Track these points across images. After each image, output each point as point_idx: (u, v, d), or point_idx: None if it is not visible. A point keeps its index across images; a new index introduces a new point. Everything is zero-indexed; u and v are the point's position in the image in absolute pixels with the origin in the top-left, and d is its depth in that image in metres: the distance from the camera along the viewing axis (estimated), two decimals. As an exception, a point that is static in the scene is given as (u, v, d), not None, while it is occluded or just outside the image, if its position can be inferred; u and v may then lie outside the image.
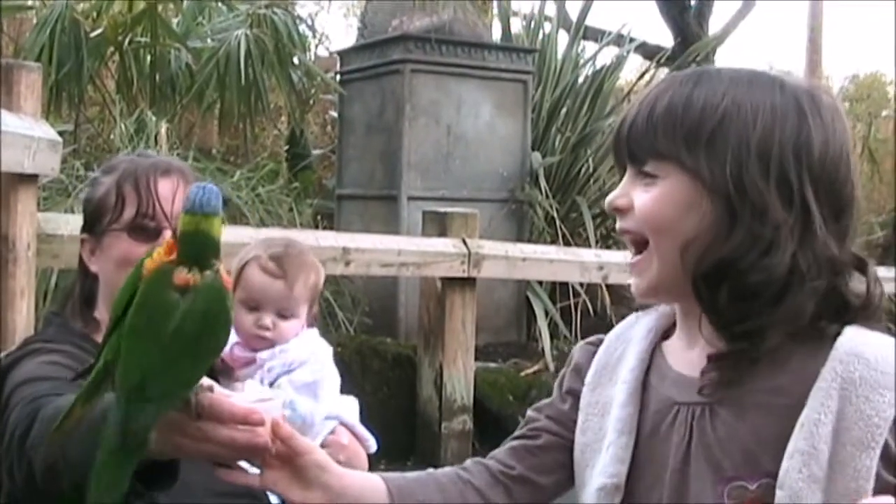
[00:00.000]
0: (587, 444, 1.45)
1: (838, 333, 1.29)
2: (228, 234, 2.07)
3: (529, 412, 1.56)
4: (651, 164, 1.35)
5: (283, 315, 2.03)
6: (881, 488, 1.21)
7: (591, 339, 1.57)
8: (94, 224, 1.96)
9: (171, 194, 1.92)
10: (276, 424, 1.36)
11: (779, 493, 1.23)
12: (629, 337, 1.49)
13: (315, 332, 2.11)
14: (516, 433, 1.55)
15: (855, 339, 1.28)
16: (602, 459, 1.41)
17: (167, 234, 1.90)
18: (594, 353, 1.52)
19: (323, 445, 1.98)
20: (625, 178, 1.40)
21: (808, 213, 1.29)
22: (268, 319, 2.01)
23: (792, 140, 1.30)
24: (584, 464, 1.45)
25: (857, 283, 1.33)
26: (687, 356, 1.40)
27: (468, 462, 1.54)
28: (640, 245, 1.38)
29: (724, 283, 1.29)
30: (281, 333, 2.02)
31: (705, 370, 1.34)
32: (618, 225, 1.41)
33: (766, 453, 1.26)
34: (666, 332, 1.47)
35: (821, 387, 1.25)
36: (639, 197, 1.36)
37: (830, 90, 1.41)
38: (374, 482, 1.46)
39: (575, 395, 1.51)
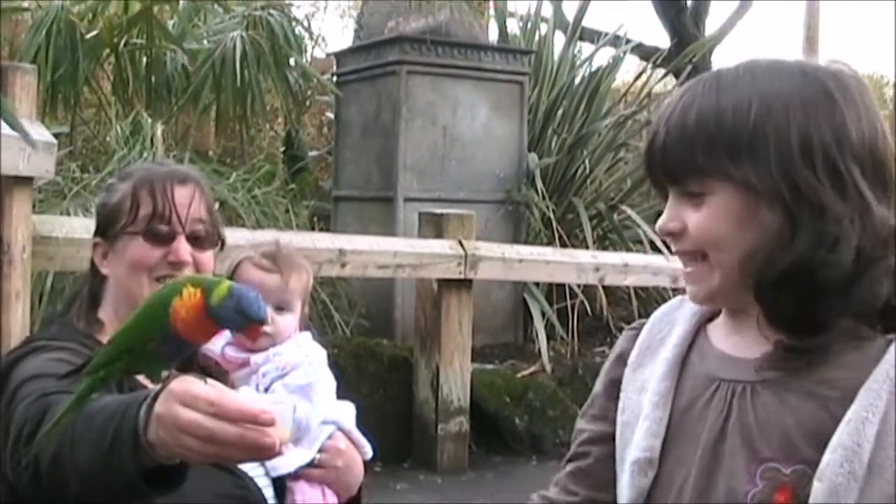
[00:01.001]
0: (626, 423, 1.44)
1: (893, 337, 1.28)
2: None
3: (578, 423, 1.55)
4: (694, 182, 1.32)
5: (281, 309, 2.05)
6: None
7: (634, 324, 1.55)
8: (108, 228, 1.99)
9: (188, 202, 1.96)
10: None
11: (816, 485, 1.22)
12: (674, 319, 1.47)
13: (308, 335, 2.11)
14: (570, 453, 1.53)
15: None
16: (638, 433, 1.40)
17: (181, 239, 1.93)
18: (636, 336, 1.50)
19: (320, 450, 1.99)
20: (670, 200, 1.37)
21: (863, 197, 1.27)
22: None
23: (829, 128, 1.28)
24: (622, 444, 1.43)
25: None
26: (734, 340, 1.38)
27: (535, 497, 1.53)
28: (697, 258, 1.36)
29: (793, 286, 1.27)
30: (279, 329, 2.03)
31: (768, 356, 1.32)
32: (674, 248, 1.39)
33: (804, 440, 1.26)
34: (710, 315, 1.45)
35: (871, 387, 1.24)
36: (691, 218, 1.33)
37: (850, 66, 1.37)
38: None
39: (616, 382, 1.49)
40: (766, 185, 1.27)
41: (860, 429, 1.22)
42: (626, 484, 1.39)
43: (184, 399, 1.30)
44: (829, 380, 1.27)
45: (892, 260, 1.27)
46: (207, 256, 1.99)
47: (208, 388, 1.31)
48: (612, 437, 1.46)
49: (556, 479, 1.53)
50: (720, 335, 1.42)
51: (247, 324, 1.41)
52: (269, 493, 1.92)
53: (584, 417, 1.53)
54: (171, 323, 1.39)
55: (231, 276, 2.07)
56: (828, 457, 1.22)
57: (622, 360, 1.50)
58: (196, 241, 1.97)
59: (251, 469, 1.87)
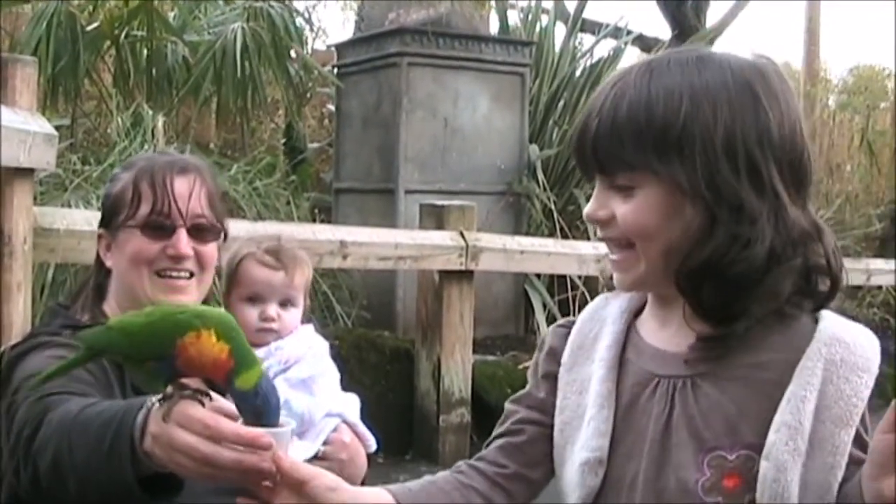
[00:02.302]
0: (566, 423, 1.47)
1: (816, 316, 1.35)
2: (224, 227, 2.09)
3: (508, 405, 1.58)
4: (623, 175, 1.36)
5: (286, 305, 2.06)
6: (850, 462, 1.28)
7: (563, 321, 1.60)
8: (111, 220, 1.98)
9: (188, 193, 1.94)
10: (278, 459, 1.35)
11: (764, 465, 1.27)
12: (602, 317, 1.51)
13: (311, 328, 2.12)
14: (500, 430, 1.56)
15: (836, 325, 1.34)
16: (583, 434, 1.43)
17: (181, 232, 1.91)
18: (566, 334, 1.54)
19: (325, 443, 1.99)
20: (597, 189, 1.41)
21: (778, 197, 1.32)
22: (272, 310, 2.05)
23: (753, 129, 1.32)
24: (563, 442, 1.47)
25: (824, 248, 1.37)
26: (663, 334, 1.43)
27: (462, 465, 1.55)
28: (624, 246, 1.40)
29: (708, 279, 1.32)
30: (284, 323, 2.06)
31: (693, 348, 1.37)
32: (600, 234, 1.43)
33: (746, 425, 1.31)
34: (636, 311, 1.50)
35: (807, 365, 1.30)
36: (619, 208, 1.37)
37: (770, 60, 1.41)
38: (383, 496, 1.48)
39: (551, 377, 1.52)
40: (691, 184, 1.31)
41: (800, 406, 1.28)
42: (576, 483, 1.42)
43: (179, 420, 1.30)
44: (762, 363, 1.33)
45: (798, 261, 1.33)
46: (210, 248, 1.98)
47: (204, 411, 1.31)
48: (547, 426, 1.51)
49: (481, 454, 1.56)
50: (650, 330, 1.46)
51: (255, 424, 1.34)
52: None
53: (518, 404, 1.57)
54: (175, 354, 1.35)
55: (233, 272, 2.07)
56: (772, 437, 1.28)
57: (554, 356, 1.54)
58: (198, 233, 1.95)
59: None
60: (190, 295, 1.93)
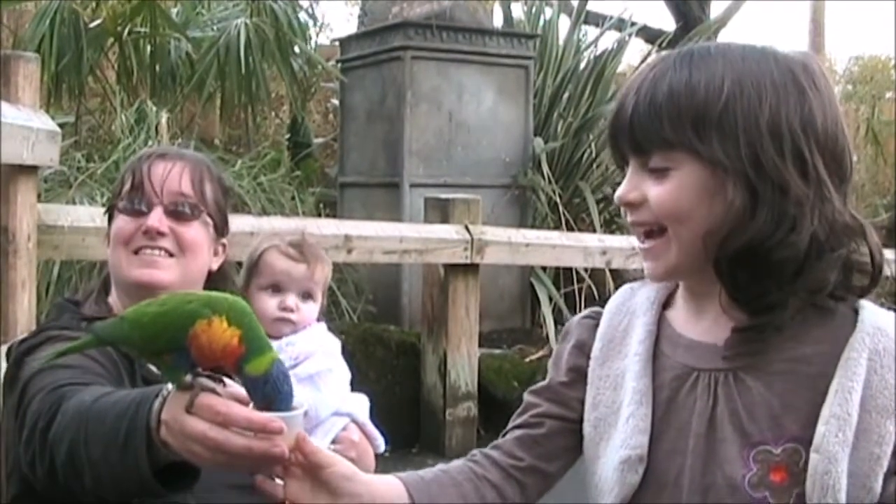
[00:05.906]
0: (600, 419, 1.45)
1: (854, 306, 1.34)
2: (230, 223, 2.10)
3: (527, 397, 1.55)
4: (659, 155, 1.34)
5: (305, 298, 2.09)
6: (895, 452, 1.27)
7: (588, 312, 1.57)
8: (108, 211, 2.05)
9: (165, 174, 1.97)
10: (303, 440, 1.35)
11: (814, 457, 1.26)
12: (631, 308, 1.49)
13: (323, 326, 2.13)
14: (518, 421, 1.54)
15: (877, 314, 1.34)
16: (621, 432, 1.41)
17: (156, 209, 1.94)
18: (594, 326, 1.52)
19: (334, 442, 1.99)
20: (630, 171, 1.38)
21: (823, 185, 1.30)
22: (291, 300, 2.07)
23: (798, 115, 1.31)
24: (597, 438, 1.45)
25: (864, 248, 1.36)
26: (699, 325, 1.40)
27: (478, 454, 1.53)
28: (653, 233, 1.37)
29: (749, 263, 1.30)
30: (303, 315, 2.08)
31: (730, 341, 1.35)
32: (630, 218, 1.40)
33: (791, 419, 1.30)
34: (665, 301, 1.47)
35: (852, 356, 1.29)
36: (652, 190, 1.35)
37: (815, 57, 1.42)
38: (396, 486, 1.46)
39: (579, 371, 1.50)
40: (733, 163, 1.29)
41: (847, 398, 1.27)
42: (614, 481, 1.40)
43: (190, 407, 1.30)
44: (805, 356, 1.32)
45: (843, 251, 1.32)
46: (191, 230, 1.98)
47: (215, 398, 1.30)
48: (569, 420, 1.49)
49: (497, 443, 1.54)
50: (683, 321, 1.44)
51: (264, 408, 1.33)
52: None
53: (539, 396, 1.54)
54: (187, 345, 1.34)
55: (255, 263, 2.09)
56: (822, 428, 1.27)
57: (582, 350, 1.52)
58: (176, 213, 1.96)
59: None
60: (167, 272, 1.94)
